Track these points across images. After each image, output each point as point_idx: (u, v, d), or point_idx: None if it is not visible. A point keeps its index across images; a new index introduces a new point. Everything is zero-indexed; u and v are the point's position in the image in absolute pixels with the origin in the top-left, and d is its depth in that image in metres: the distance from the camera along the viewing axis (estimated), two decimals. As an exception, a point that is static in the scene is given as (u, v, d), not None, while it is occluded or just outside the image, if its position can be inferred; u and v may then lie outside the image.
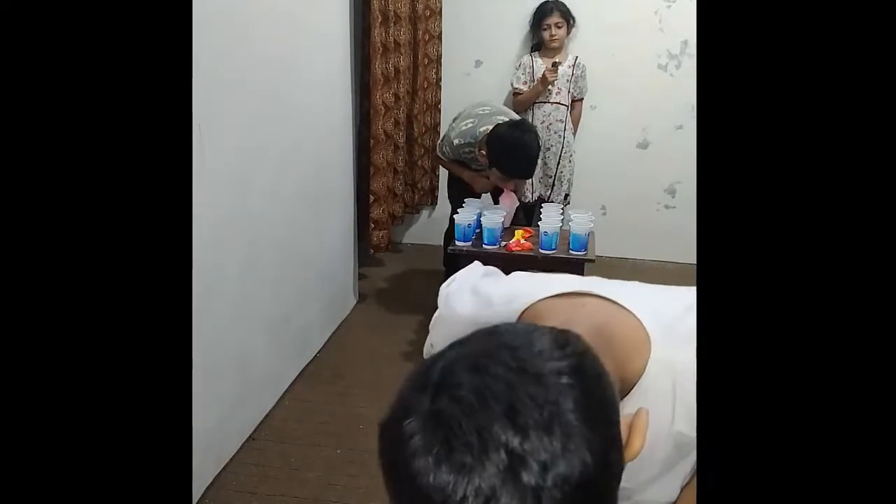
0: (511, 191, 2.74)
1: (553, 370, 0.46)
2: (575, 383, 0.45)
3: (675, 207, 3.70)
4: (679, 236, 3.51)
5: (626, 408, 0.58)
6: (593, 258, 2.40)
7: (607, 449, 0.45)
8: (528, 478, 0.41)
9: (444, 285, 0.86)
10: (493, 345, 0.48)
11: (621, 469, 0.48)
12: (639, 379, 0.66)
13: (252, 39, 1.97)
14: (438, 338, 0.88)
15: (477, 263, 0.89)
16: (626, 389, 0.67)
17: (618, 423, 0.48)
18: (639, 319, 0.68)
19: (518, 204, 2.79)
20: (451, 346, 0.50)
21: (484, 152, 2.60)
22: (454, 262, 3.06)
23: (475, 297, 0.80)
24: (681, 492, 0.79)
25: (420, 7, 3.34)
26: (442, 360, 0.48)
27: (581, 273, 2.37)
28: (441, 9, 3.45)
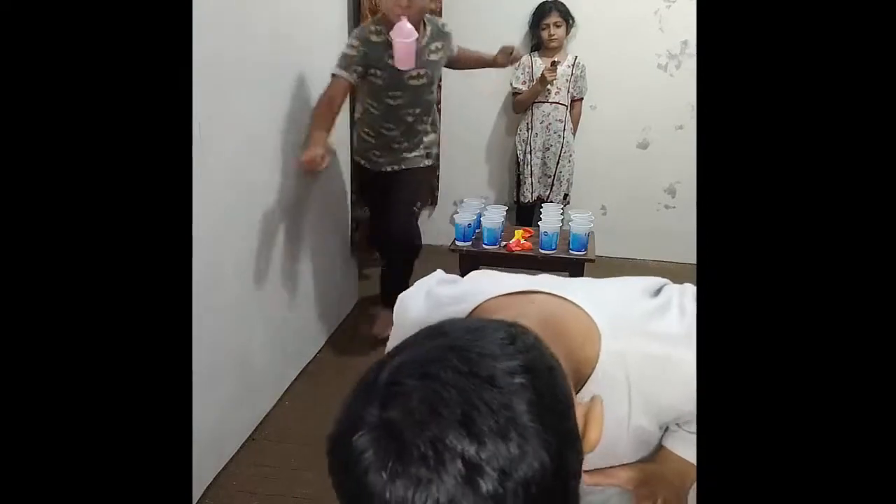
0: (404, 13, 2.21)
1: (505, 370, 0.44)
2: (527, 382, 0.44)
3: (675, 207, 3.70)
4: (679, 236, 3.51)
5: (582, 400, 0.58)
6: (593, 258, 2.40)
7: (564, 446, 0.44)
8: (487, 486, 0.40)
9: (402, 293, 0.86)
10: (440, 347, 0.47)
11: (580, 464, 0.47)
12: (592, 371, 0.67)
13: (252, 39, 1.97)
14: (393, 344, 0.88)
15: (439, 271, 0.90)
16: (581, 381, 0.67)
17: (573, 415, 0.48)
18: (587, 313, 0.69)
19: (417, 36, 2.23)
20: (397, 350, 0.49)
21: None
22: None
23: (427, 300, 0.80)
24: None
25: (420, 7, 3.33)
26: (388, 367, 0.46)
27: (581, 273, 2.38)
28: (441, 8, 3.45)
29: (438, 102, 3.55)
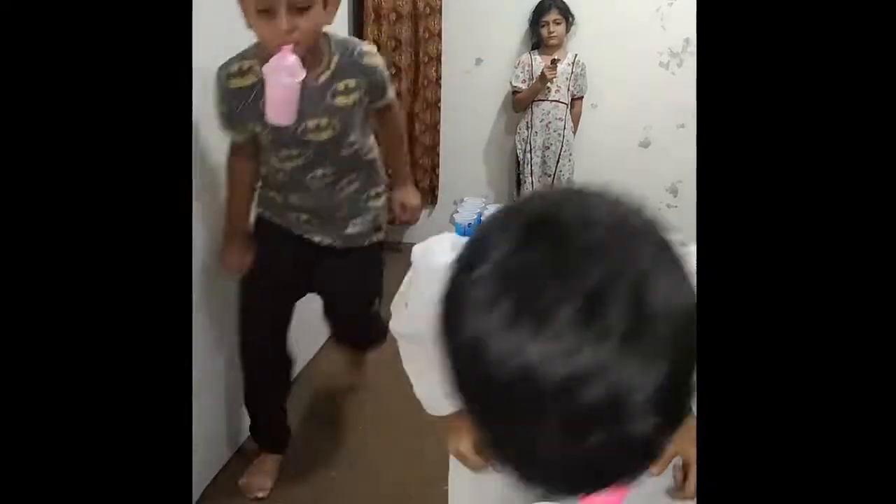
0: (286, 43, 1.39)
1: (640, 224, 0.48)
2: (662, 241, 0.47)
3: (676, 207, 3.69)
4: (681, 236, 3.50)
5: None
6: (594, 257, 2.40)
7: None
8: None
9: (419, 245, 0.84)
10: (580, 204, 0.48)
11: None
12: None
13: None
14: (416, 294, 0.84)
15: (446, 233, 0.88)
16: None
17: None
18: None
19: (302, 76, 1.42)
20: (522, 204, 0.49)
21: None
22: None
23: (454, 250, 0.79)
24: None
25: (421, 5, 3.33)
26: (525, 211, 0.46)
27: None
28: (441, 6, 3.44)
29: (439, 101, 3.56)
